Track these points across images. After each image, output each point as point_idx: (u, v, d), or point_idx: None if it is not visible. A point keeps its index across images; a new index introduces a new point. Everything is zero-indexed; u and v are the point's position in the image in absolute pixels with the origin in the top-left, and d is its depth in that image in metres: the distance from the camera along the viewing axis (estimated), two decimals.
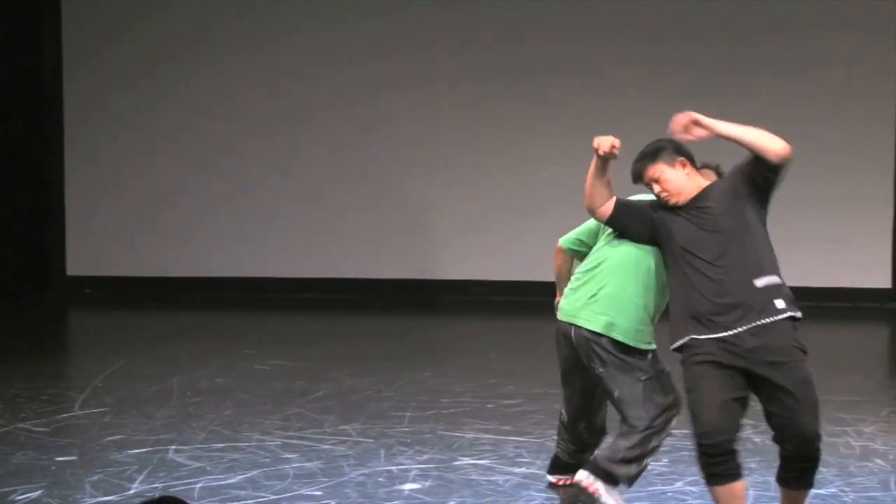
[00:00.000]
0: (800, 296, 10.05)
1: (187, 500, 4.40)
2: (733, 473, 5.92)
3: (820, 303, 10.02)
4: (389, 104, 10.64)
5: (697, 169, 6.30)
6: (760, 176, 6.03)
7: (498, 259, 10.66)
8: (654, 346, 6.49)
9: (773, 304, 5.94)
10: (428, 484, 7.14)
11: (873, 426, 7.90)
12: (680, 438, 7.71)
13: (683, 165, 6.23)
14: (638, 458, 6.46)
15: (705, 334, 5.92)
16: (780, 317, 5.90)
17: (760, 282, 5.95)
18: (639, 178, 6.21)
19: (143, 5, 10.79)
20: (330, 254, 10.77)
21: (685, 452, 7.51)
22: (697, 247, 6.00)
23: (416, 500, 6.95)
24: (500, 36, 10.45)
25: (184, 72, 10.84)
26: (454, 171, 10.62)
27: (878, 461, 7.40)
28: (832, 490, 7.03)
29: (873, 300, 10.17)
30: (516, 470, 7.32)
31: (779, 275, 6.05)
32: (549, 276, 10.65)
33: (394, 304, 10.57)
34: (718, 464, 5.89)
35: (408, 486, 7.10)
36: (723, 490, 5.93)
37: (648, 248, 6.40)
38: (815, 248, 10.08)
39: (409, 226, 10.69)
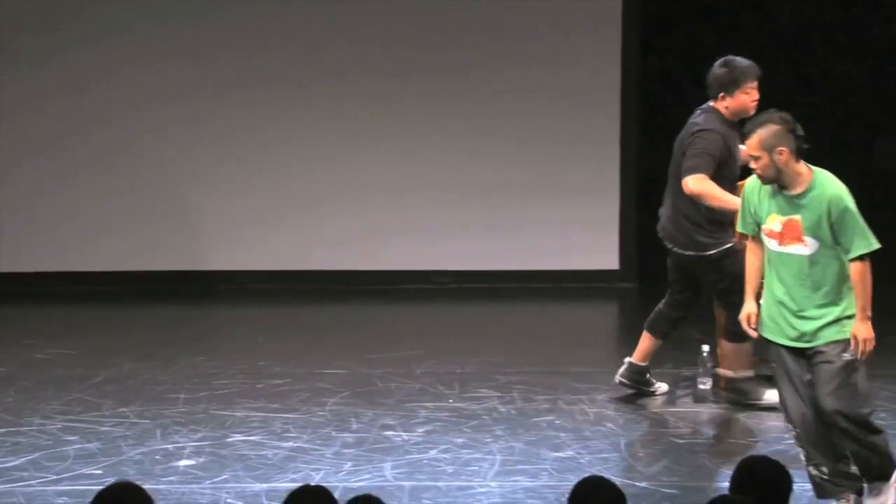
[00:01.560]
0: (537, 278, 10.36)
1: None
2: None
3: (556, 284, 10.25)
4: (167, 109, 10.48)
5: None
6: None
7: (267, 250, 10.64)
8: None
9: None
10: (202, 460, 7.13)
11: (605, 394, 8.09)
12: (432, 411, 7.86)
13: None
14: None
15: None
16: None
17: None
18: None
19: None
20: (108, 248, 10.61)
21: (439, 423, 7.65)
22: None
23: (191, 475, 6.93)
24: (268, 43, 10.39)
25: None
26: (226, 170, 10.56)
27: (610, 425, 7.60)
28: (570, 453, 7.21)
29: (603, 280, 10.41)
30: (284, 444, 7.35)
31: None
32: (313, 266, 10.76)
33: (169, 294, 10.47)
34: None
35: (183, 463, 7.08)
36: None
37: None
38: (549, 234, 10.27)
39: (183, 221, 10.60)
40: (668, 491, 6.73)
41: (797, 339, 6.17)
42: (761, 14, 12.69)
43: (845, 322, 6.12)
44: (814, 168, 6.16)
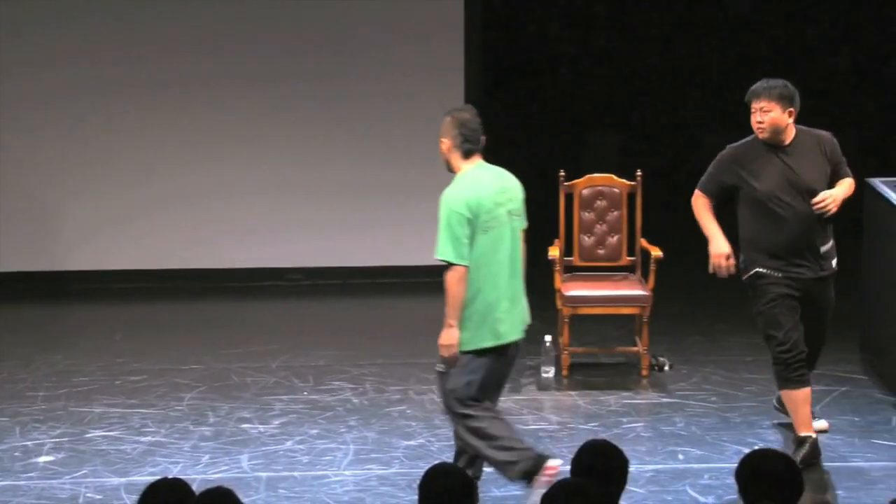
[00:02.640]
0: (387, 273, 10.40)
1: None
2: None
3: (404, 279, 10.26)
4: (31, 111, 10.28)
5: None
6: None
7: (124, 250, 10.52)
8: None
9: None
10: (61, 455, 7.06)
11: None
12: (287, 403, 7.86)
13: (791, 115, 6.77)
14: None
15: None
16: None
17: None
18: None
19: None
20: None
21: (294, 415, 7.65)
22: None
23: (51, 471, 6.86)
24: (130, 47, 10.24)
25: None
26: (83, 172, 10.40)
27: None
28: (420, 441, 7.26)
29: (438, 276, 10.48)
30: (142, 439, 7.30)
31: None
32: (169, 265, 10.67)
33: (27, 294, 10.32)
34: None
35: (42, 459, 6.99)
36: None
37: None
38: (397, 231, 10.29)
39: (41, 222, 10.45)
40: None
41: None
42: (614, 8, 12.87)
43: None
44: (466, 169, 6.21)
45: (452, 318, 6.10)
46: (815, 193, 6.78)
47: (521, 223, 6.30)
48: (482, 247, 6.12)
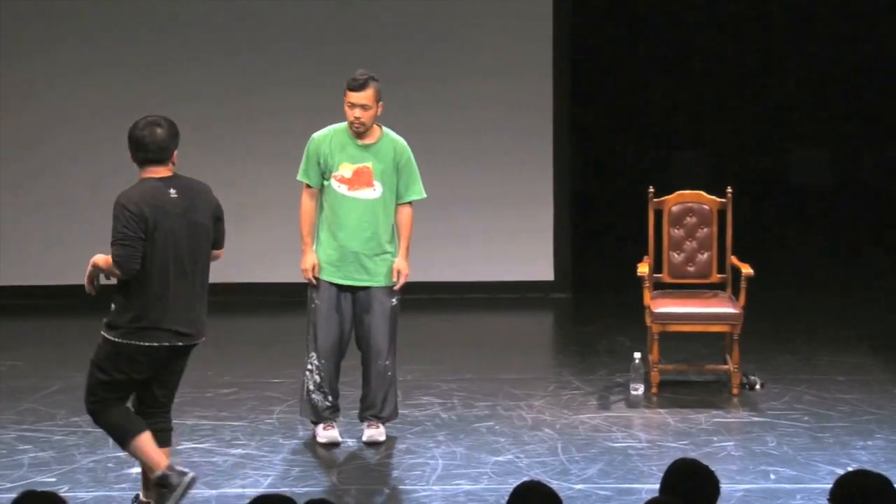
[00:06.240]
0: (475, 289, 10.43)
1: None
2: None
3: (493, 294, 10.30)
4: (101, 122, 10.43)
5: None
6: None
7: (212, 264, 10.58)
8: None
9: None
10: None
11: (542, 400, 8.18)
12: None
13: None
14: None
15: None
16: None
17: None
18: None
19: None
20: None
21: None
22: None
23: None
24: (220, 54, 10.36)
25: None
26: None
27: (547, 430, 7.67)
28: (509, 457, 7.27)
29: (538, 291, 10.49)
30: (233, 451, 7.37)
31: None
32: (248, 278, 10.67)
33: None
34: None
35: (135, 470, 7.04)
36: None
37: None
38: (486, 245, 10.32)
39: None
40: (602, 493, 6.81)
41: None
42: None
43: None
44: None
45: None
46: None
47: None
48: None
